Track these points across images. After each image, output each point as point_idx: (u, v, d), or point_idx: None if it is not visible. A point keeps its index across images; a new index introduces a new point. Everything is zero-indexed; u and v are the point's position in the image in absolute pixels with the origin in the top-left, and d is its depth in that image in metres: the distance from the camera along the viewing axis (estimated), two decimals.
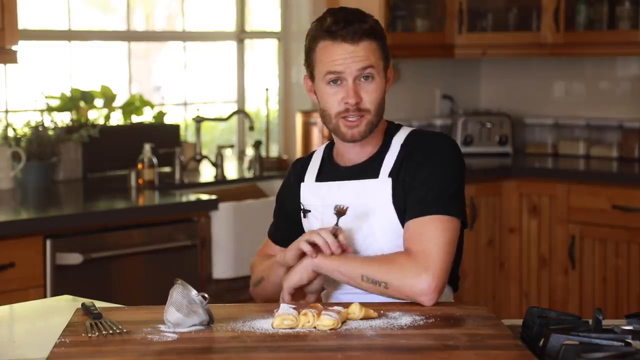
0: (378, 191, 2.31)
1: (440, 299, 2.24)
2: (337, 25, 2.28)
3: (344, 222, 2.28)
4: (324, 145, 2.50)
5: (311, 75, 2.37)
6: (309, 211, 2.41)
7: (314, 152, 2.52)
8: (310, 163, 2.47)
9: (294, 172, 2.50)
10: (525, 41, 5.18)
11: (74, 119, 4.45)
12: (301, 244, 2.24)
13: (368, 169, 2.35)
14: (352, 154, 2.38)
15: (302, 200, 2.43)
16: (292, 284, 2.25)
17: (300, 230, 2.42)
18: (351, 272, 2.21)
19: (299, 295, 2.27)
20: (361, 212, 2.32)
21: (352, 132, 2.31)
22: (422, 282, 2.16)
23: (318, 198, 2.39)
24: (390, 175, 2.32)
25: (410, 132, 2.39)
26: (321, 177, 2.42)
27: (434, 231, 2.22)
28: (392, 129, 2.40)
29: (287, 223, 2.48)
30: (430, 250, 2.19)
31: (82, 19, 4.71)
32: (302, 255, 2.26)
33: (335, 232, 2.23)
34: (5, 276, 3.42)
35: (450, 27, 5.21)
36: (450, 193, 2.27)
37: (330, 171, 2.42)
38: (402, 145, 2.35)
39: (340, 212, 2.25)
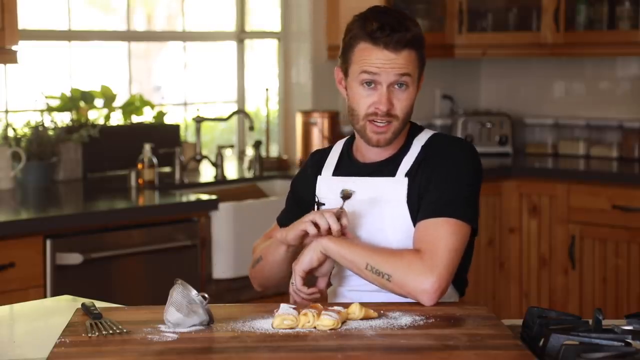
0: (393, 190, 2.32)
1: (449, 299, 2.26)
2: (382, 32, 2.26)
3: (358, 215, 2.32)
4: (344, 140, 2.50)
5: (345, 71, 2.35)
6: (323, 204, 2.41)
7: (333, 145, 2.52)
8: (329, 156, 2.47)
9: (312, 163, 2.50)
10: (525, 41, 5.18)
11: (74, 119, 4.45)
12: (307, 224, 2.24)
13: (386, 168, 2.36)
14: (372, 153, 2.39)
15: (317, 193, 2.43)
16: (303, 267, 2.25)
17: None
18: (356, 259, 2.22)
19: (309, 280, 2.27)
20: (375, 209, 2.33)
21: (377, 138, 2.31)
22: (426, 281, 2.17)
23: (333, 192, 2.39)
24: (407, 175, 2.33)
25: (432, 135, 2.40)
26: (338, 171, 2.43)
27: (444, 233, 2.22)
28: (414, 131, 2.41)
29: (299, 211, 2.45)
30: (438, 252, 2.20)
31: (82, 19, 4.71)
32: (304, 235, 2.27)
33: (339, 214, 2.24)
34: (5, 276, 3.42)
35: (450, 27, 5.21)
36: (463, 198, 2.27)
37: (348, 166, 2.42)
38: (423, 148, 2.36)
39: (346, 195, 2.28)
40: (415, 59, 2.30)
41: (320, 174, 2.45)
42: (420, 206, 2.28)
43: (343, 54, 2.34)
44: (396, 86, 2.29)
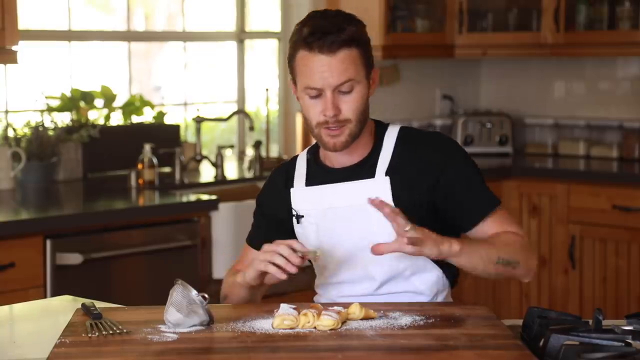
0: (376, 191, 2.25)
1: (438, 294, 2.29)
2: (313, 36, 2.23)
3: (342, 224, 2.30)
4: (305, 150, 2.45)
5: (294, 81, 2.32)
6: (302, 216, 2.36)
7: (295, 157, 2.46)
8: (296, 168, 2.41)
9: (278, 178, 2.44)
10: (525, 41, 5.18)
11: (74, 119, 4.45)
12: (264, 265, 2.15)
13: (362, 169, 2.32)
14: (342, 158, 2.34)
15: (293, 206, 2.37)
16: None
17: (291, 235, 2.36)
18: (490, 255, 2.21)
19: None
20: (359, 214, 2.28)
21: (333, 142, 2.27)
22: (535, 260, 2.31)
23: (311, 203, 2.35)
24: (387, 173, 2.30)
25: (400, 128, 2.37)
26: (311, 181, 2.37)
27: (506, 220, 2.32)
28: (381, 128, 2.37)
29: (270, 227, 2.41)
30: (521, 234, 2.31)
31: (82, 19, 4.71)
32: (263, 274, 2.20)
33: (291, 245, 2.16)
34: (5, 276, 3.42)
35: (450, 27, 5.21)
36: (486, 186, 2.35)
37: (321, 174, 2.37)
38: (396, 143, 2.33)
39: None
40: (357, 57, 2.25)
41: (292, 187, 2.39)
42: (456, 213, 2.30)
43: (289, 63, 2.31)
44: (341, 90, 2.24)
